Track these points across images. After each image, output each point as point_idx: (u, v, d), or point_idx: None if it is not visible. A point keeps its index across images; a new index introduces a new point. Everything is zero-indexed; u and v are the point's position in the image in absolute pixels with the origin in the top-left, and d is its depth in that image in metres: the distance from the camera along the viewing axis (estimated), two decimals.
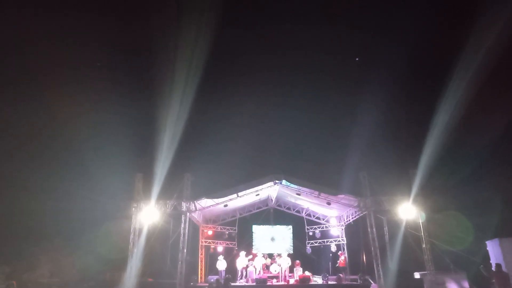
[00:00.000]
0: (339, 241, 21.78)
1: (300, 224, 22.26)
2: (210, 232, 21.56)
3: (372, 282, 16.57)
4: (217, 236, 21.70)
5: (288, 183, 18.00)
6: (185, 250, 15.91)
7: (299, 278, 17.78)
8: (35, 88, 22.11)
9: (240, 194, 17.80)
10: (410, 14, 24.42)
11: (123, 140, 21.93)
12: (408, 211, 16.11)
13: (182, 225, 16.21)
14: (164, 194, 16.51)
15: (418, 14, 24.45)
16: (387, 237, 17.78)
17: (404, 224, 16.54)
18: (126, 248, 15.73)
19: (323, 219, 22.74)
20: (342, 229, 21.88)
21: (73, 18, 24.29)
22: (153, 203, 16.20)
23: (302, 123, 28.59)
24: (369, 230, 16.39)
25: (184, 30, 22.35)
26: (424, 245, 15.88)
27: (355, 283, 17.89)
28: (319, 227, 22.31)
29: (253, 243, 21.16)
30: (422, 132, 18.40)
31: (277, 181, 17.91)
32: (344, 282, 17.90)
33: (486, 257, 16.33)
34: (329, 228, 22.40)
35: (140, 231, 15.99)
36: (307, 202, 20.78)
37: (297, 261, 19.25)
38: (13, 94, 21.48)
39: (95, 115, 23.45)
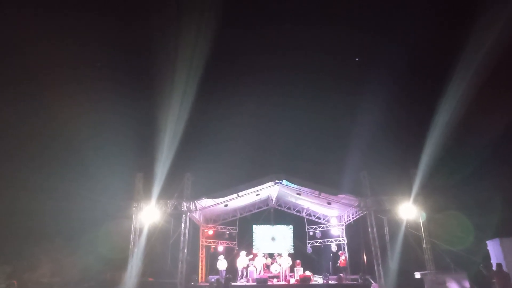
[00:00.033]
0: (339, 241, 21.80)
1: (301, 224, 22.28)
2: (210, 232, 21.56)
3: (372, 281, 16.57)
4: (218, 236, 21.70)
5: (289, 183, 18.01)
6: (185, 250, 15.93)
7: (300, 278, 17.79)
8: (35, 88, 22.06)
9: (240, 194, 17.80)
10: (410, 14, 24.42)
11: (124, 140, 21.91)
12: (408, 210, 16.13)
13: (183, 225, 16.23)
14: (165, 194, 16.53)
15: (418, 14, 24.45)
16: (387, 236, 17.74)
17: (404, 223, 16.53)
18: (127, 248, 15.75)
19: (324, 219, 22.75)
20: (343, 229, 21.89)
21: (73, 18, 24.26)
22: (154, 203, 16.21)
23: (302, 123, 28.59)
24: (369, 229, 16.43)
25: (184, 30, 22.35)
26: (424, 245, 15.92)
27: (355, 282, 17.89)
28: (319, 227, 22.33)
29: (254, 243, 21.18)
30: (422, 132, 18.40)
31: (277, 181, 17.93)
32: (344, 282, 17.91)
33: (487, 256, 16.33)
34: (330, 228, 22.41)
35: (141, 231, 16.00)
36: (307, 202, 20.79)
37: (298, 261, 19.27)
38: (13, 94, 21.43)
39: (95, 115, 23.41)
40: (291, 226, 21.94)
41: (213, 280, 16.57)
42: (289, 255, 19.92)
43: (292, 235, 21.70)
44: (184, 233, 16.07)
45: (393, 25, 25.42)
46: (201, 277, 20.13)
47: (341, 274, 18.39)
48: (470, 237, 17.04)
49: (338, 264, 19.85)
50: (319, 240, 22.02)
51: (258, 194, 19.82)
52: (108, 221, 17.52)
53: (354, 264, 20.42)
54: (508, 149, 20.85)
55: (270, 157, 26.39)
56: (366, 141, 23.56)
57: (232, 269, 19.15)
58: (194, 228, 19.70)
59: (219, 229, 21.84)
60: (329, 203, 19.04)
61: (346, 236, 21.69)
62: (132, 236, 15.95)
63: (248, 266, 18.91)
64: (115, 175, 19.72)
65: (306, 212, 22.65)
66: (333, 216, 22.37)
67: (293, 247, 21.32)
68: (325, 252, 21.78)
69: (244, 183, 17.60)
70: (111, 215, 17.68)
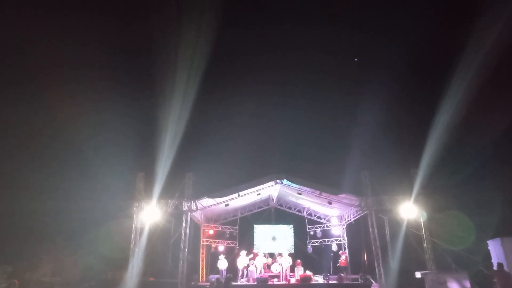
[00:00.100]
0: (340, 240, 21.79)
1: (301, 224, 22.30)
2: (211, 232, 21.55)
3: (373, 281, 16.58)
4: (218, 236, 21.69)
5: (289, 183, 18.00)
6: (186, 250, 15.92)
7: (300, 278, 17.78)
8: (35, 88, 22.05)
9: (241, 193, 17.81)
10: (410, 14, 24.46)
11: (124, 140, 21.95)
12: (409, 210, 16.14)
13: (184, 225, 16.22)
14: (166, 193, 16.52)
15: (418, 14, 24.48)
16: (388, 236, 17.77)
17: (405, 223, 16.54)
18: (128, 248, 15.75)
19: (324, 219, 22.75)
20: (343, 229, 21.90)
21: (73, 18, 24.26)
22: (155, 202, 16.21)
23: (302, 123, 28.63)
24: (370, 229, 16.43)
25: (184, 30, 22.37)
26: (425, 245, 15.92)
27: (356, 282, 17.87)
28: (320, 227, 22.33)
29: (254, 243, 21.16)
30: (423, 132, 18.44)
31: (278, 181, 17.89)
32: (345, 282, 17.89)
33: (488, 256, 16.38)
34: (330, 228, 22.41)
35: (142, 230, 16.01)
36: (308, 201, 20.78)
37: (298, 261, 19.27)
38: (13, 94, 21.43)
39: (95, 115, 23.42)
40: (291, 226, 21.93)
41: (213, 279, 16.57)
42: (290, 254, 19.89)
43: (292, 234, 21.68)
44: (185, 233, 16.06)
45: (393, 25, 25.48)
46: (202, 277, 20.12)
47: (342, 274, 18.37)
48: (471, 236, 17.07)
49: (338, 264, 19.81)
50: (320, 240, 22.01)
51: (259, 194, 19.81)
52: (109, 220, 17.55)
53: (355, 264, 20.42)
54: (508, 149, 20.94)
55: (270, 157, 26.48)
56: (367, 141, 23.63)
57: (232, 269, 19.12)
58: (195, 227, 19.72)
59: (220, 229, 21.83)
60: (329, 203, 19.04)
61: (347, 235, 21.68)
62: (133, 235, 15.94)
63: (248, 265, 18.88)
64: (116, 175, 19.74)
65: (306, 212, 22.65)
66: (334, 215, 22.37)
67: (293, 247, 21.30)
68: (325, 252, 21.78)
69: (245, 183, 17.60)
70: (112, 215, 17.71)
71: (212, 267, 20.19)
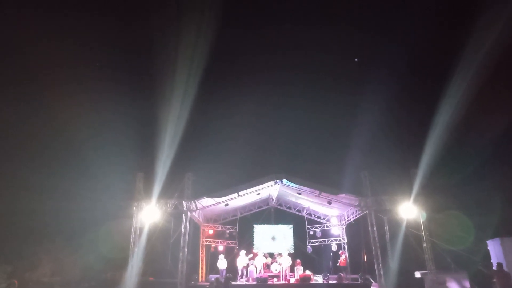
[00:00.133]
0: (339, 240, 21.81)
1: (301, 223, 22.32)
2: (211, 231, 21.57)
3: (372, 281, 16.58)
4: (218, 235, 21.72)
5: (289, 183, 18.01)
6: (186, 249, 15.91)
7: (300, 277, 17.80)
8: (35, 88, 22.08)
9: (241, 193, 17.81)
10: (410, 14, 24.46)
11: (124, 140, 22.00)
12: (409, 210, 16.11)
13: (183, 224, 16.21)
14: (165, 193, 16.52)
15: (418, 14, 24.46)
16: (387, 236, 17.76)
17: (405, 223, 16.52)
18: (127, 248, 15.74)
19: (324, 218, 22.75)
20: (343, 229, 21.91)
21: (73, 18, 24.31)
22: (154, 202, 16.20)
23: (302, 122, 28.68)
24: (369, 229, 16.41)
25: (184, 30, 22.38)
26: (425, 245, 15.89)
27: (355, 282, 17.87)
28: (319, 226, 22.34)
29: (254, 242, 21.18)
30: (423, 132, 18.43)
31: (277, 181, 17.90)
32: (344, 282, 17.88)
33: (487, 256, 16.34)
34: (330, 228, 22.42)
35: (141, 230, 16.00)
36: (308, 201, 20.79)
37: (298, 260, 19.29)
38: (13, 94, 21.46)
39: (95, 115, 23.44)
40: (291, 226, 21.94)
41: (213, 279, 16.60)
42: (289, 254, 19.89)
43: (292, 234, 21.68)
44: (185, 233, 16.06)
45: (393, 25, 25.49)
46: (202, 277, 20.13)
47: (341, 274, 18.36)
48: (470, 236, 17.05)
49: (338, 264, 19.82)
50: (320, 240, 22.02)
51: (259, 194, 19.81)
52: (108, 220, 17.57)
53: (354, 264, 20.42)
54: (508, 149, 20.92)
55: (270, 156, 26.50)
56: (367, 140, 23.64)
57: (232, 269, 19.14)
58: (195, 227, 19.71)
59: (220, 229, 21.85)
60: (329, 203, 19.04)
61: (347, 235, 21.70)
62: (132, 235, 15.94)
63: (248, 265, 18.90)
64: (116, 174, 19.76)
65: (306, 212, 22.65)
66: (334, 215, 22.38)
67: (293, 247, 21.30)
68: (325, 252, 21.79)
69: (245, 183, 17.59)
70: (111, 215, 17.72)
71: (212, 267, 20.23)
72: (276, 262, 19.38)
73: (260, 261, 19.33)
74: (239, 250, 20.02)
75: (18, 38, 21.28)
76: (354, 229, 20.52)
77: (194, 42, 21.81)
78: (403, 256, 16.51)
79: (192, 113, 21.16)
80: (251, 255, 19.77)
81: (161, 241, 17.35)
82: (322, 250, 21.96)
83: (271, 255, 20.22)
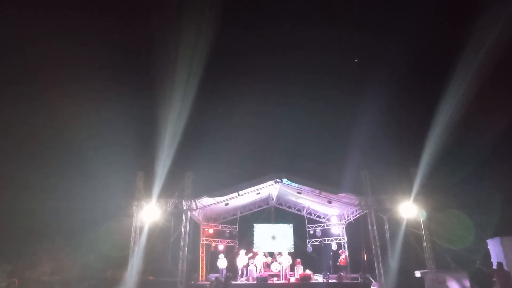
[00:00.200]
0: (340, 239, 21.81)
1: (301, 223, 22.32)
2: (211, 231, 21.58)
3: (372, 280, 16.60)
4: (218, 235, 21.73)
5: (289, 182, 18.00)
6: (186, 249, 15.90)
7: (300, 277, 17.80)
8: (35, 88, 22.09)
9: (241, 192, 17.81)
10: (410, 14, 24.49)
11: (124, 139, 21.98)
12: (409, 209, 16.10)
13: (183, 224, 16.20)
14: (165, 192, 16.51)
15: (418, 14, 24.50)
16: (388, 235, 17.73)
17: (405, 222, 16.50)
18: (127, 247, 15.73)
19: (324, 218, 22.75)
20: (343, 228, 21.92)
21: (73, 18, 24.32)
22: (154, 201, 16.19)
23: (302, 122, 28.74)
24: (370, 228, 16.41)
25: (184, 30, 22.40)
26: (425, 244, 15.88)
27: (355, 281, 17.87)
28: (320, 226, 22.34)
29: (254, 242, 21.17)
30: (423, 131, 18.47)
31: (278, 180, 17.88)
32: (344, 281, 17.90)
33: (487, 255, 16.35)
34: (330, 227, 22.43)
35: (141, 229, 15.99)
36: (308, 200, 20.79)
37: (298, 260, 19.33)
38: (13, 94, 21.45)
39: (95, 115, 23.44)
40: (291, 225, 21.94)
41: (213, 278, 16.61)
42: (290, 253, 19.91)
43: (292, 233, 21.68)
44: (185, 232, 16.05)
45: (393, 25, 25.52)
46: (202, 276, 20.13)
47: (341, 273, 18.35)
48: (470, 236, 17.05)
49: (338, 263, 19.80)
50: (320, 239, 22.03)
51: (259, 193, 19.81)
52: (108, 219, 17.54)
53: (355, 263, 20.43)
54: (508, 149, 20.94)
55: (270, 156, 26.50)
56: (367, 140, 23.70)
57: (232, 268, 19.11)
58: (195, 226, 19.72)
59: (220, 228, 21.86)
60: (329, 202, 19.02)
61: (347, 234, 21.71)
62: (132, 234, 15.93)
63: (248, 264, 18.91)
64: (116, 174, 19.78)
65: (306, 211, 22.65)
66: (334, 215, 22.38)
67: (293, 246, 21.29)
68: (325, 251, 21.78)
69: (245, 182, 17.60)
70: (111, 214, 17.70)
71: (212, 266, 20.23)
72: (276, 261, 19.39)
73: (260, 260, 19.33)
74: (239, 249, 20.02)
75: (18, 38, 21.30)
76: (354, 228, 20.53)
77: (194, 42, 21.84)
78: (403, 255, 16.49)
79: (192, 113, 21.21)
80: (251, 254, 19.78)
81: (161, 240, 17.35)
82: (322, 249, 21.96)
83: (271, 254, 20.23)
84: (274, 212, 22.62)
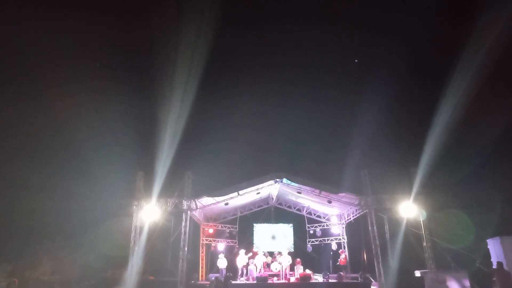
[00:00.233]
0: (340, 239, 21.81)
1: (301, 222, 22.32)
2: (211, 230, 21.57)
3: (372, 280, 16.60)
4: (218, 234, 21.72)
5: (289, 182, 17.98)
6: (186, 248, 15.89)
7: (300, 276, 17.79)
8: (35, 88, 22.10)
9: (241, 192, 17.80)
10: (410, 14, 24.50)
11: (124, 139, 22.01)
12: (409, 209, 16.10)
13: (183, 223, 16.19)
14: (165, 192, 16.50)
15: (418, 14, 24.51)
16: (388, 235, 17.77)
17: (405, 222, 16.51)
18: (127, 246, 15.72)
19: (324, 217, 22.75)
20: (343, 227, 21.92)
21: (73, 18, 24.33)
22: (154, 201, 16.17)
23: (302, 122, 28.76)
24: (370, 228, 16.41)
25: (184, 30, 22.40)
26: (425, 243, 15.89)
27: (355, 281, 17.88)
28: (320, 225, 22.34)
29: (254, 241, 21.18)
30: (423, 131, 18.44)
31: (278, 180, 17.86)
32: (344, 280, 17.90)
33: (487, 255, 16.34)
34: (330, 227, 22.43)
35: (141, 229, 15.98)
36: (308, 200, 20.78)
37: (298, 259, 19.32)
38: (13, 94, 21.46)
39: (95, 115, 23.44)
40: (291, 225, 21.94)
41: (213, 278, 16.60)
42: (289, 253, 19.89)
43: (292, 233, 21.67)
44: (185, 232, 16.04)
45: (393, 25, 25.53)
46: (202, 276, 20.13)
47: (341, 273, 18.34)
48: (470, 235, 17.04)
49: (338, 263, 19.81)
50: (320, 239, 22.03)
51: (259, 193, 19.81)
52: (108, 219, 17.54)
53: (354, 263, 20.44)
54: (508, 149, 20.94)
55: (270, 156, 26.49)
56: (367, 140, 23.69)
57: (232, 268, 19.10)
58: (195, 226, 19.72)
59: (220, 228, 21.86)
60: (329, 202, 19.02)
61: (347, 234, 21.71)
62: (132, 234, 15.92)
63: (248, 264, 18.90)
64: (116, 173, 19.79)
65: (306, 211, 22.64)
66: (334, 214, 22.38)
67: (293, 246, 21.29)
68: (325, 251, 21.78)
69: (245, 182, 17.58)
70: (111, 214, 17.70)
71: (212, 266, 20.23)
72: (276, 261, 19.38)
73: (260, 260, 19.32)
74: (239, 249, 19.99)
75: (18, 38, 21.30)
76: (354, 228, 20.53)
77: (194, 42, 21.84)
78: (403, 255, 16.50)
79: (192, 112, 21.22)
80: (251, 254, 19.77)
81: (161, 240, 17.35)
82: (322, 249, 21.96)
83: (271, 254, 20.22)
84: (274, 212, 22.63)
